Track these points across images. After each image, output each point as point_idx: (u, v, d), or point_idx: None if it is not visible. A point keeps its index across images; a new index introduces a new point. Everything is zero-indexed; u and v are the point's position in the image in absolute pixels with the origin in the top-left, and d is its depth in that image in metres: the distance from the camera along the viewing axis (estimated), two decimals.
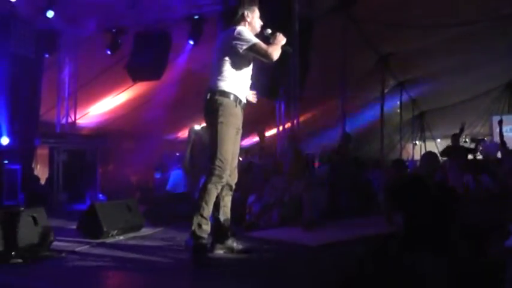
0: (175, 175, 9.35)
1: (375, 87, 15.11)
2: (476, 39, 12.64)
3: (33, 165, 10.72)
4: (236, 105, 4.49)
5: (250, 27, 4.61)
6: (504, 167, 8.90)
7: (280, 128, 10.22)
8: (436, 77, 16.00)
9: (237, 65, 4.49)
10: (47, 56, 10.97)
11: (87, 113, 13.99)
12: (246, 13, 4.61)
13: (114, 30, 10.88)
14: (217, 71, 4.51)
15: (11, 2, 9.14)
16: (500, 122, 10.04)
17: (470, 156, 10.15)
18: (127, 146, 15.58)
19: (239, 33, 4.43)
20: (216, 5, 9.82)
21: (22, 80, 9.96)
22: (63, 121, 12.04)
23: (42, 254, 4.58)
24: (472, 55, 13.96)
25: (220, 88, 4.46)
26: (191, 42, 10.35)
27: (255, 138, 18.70)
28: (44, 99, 10.85)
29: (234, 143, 4.57)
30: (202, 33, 10.14)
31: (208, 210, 4.42)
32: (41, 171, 11.32)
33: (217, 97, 4.45)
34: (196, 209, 4.41)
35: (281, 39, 4.47)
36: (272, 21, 4.86)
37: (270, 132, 17.04)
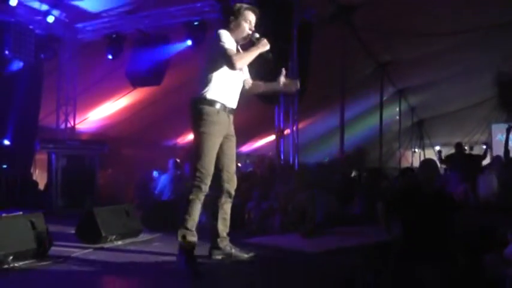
0: (163, 180, 9.35)
1: (373, 95, 15.14)
2: (474, 48, 12.69)
3: (32, 171, 10.72)
4: (219, 112, 4.40)
5: (235, 32, 4.51)
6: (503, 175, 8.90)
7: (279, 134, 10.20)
8: (435, 85, 16.05)
9: (220, 70, 4.41)
10: (46, 61, 10.96)
11: (86, 118, 13.98)
12: (231, 18, 4.55)
13: (114, 36, 10.89)
14: (201, 78, 4.47)
15: (11, 6, 9.15)
16: (509, 130, 10.01)
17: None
18: (126, 151, 15.58)
19: (217, 36, 4.38)
20: (216, 12, 9.83)
21: (22, 85, 9.96)
22: (63, 126, 12.03)
23: (40, 259, 4.58)
24: (470, 63, 14.01)
25: (201, 96, 4.40)
26: (189, 43, 10.32)
27: (255, 144, 18.82)
28: (43, 104, 10.85)
29: (225, 151, 4.55)
30: (204, 38, 10.15)
31: (192, 221, 4.36)
32: (40, 177, 11.32)
33: (198, 105, 4.40)
34: (180, 221, 4.39)
35: (261, 47, 4.37)
36: (272, 28, 4.86)
37: (268, 139, 17.11)
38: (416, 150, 22.29)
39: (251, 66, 4.66)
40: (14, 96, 9.80)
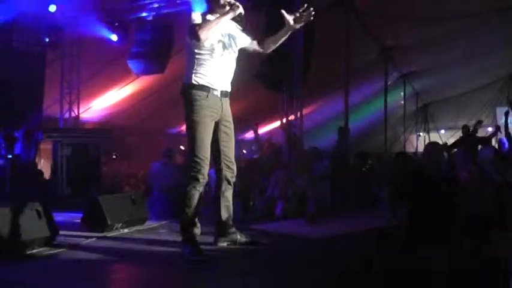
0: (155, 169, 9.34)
1: (378, 80, 15.08)
2: (479, 30, 12.60)
3: (36, 160, 10.73)
4: (208, 96, 4.33)
5: (212, 5, 4.42)
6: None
7: (284, 120, 10.18)
8: (440, 68, 15.97)
9: (199, 52, 4.33)
10: (49, 50, 10.94)
11: (90, 107, 13.99)
12: None
13: (116, 24, 10.85)
14: (188, 62, 4.41)
15: None
16: (507, 114, 10.01)
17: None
18: (131, 139, 15.63)
19: (189, 18, 4.32)
20: None
21: (25, 74, 9.95)
22: (66, 115, 12.04)
23: (46, 247, 4.60)
24: (475, 46, 13.93)
25: (188, 81, 4.35)
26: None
27: (260, 130, 18.77)
28: (47, 94, 10.85)
29: (221, 138, 4.50)
30: None
31: (191, 213, 4.34)
32: (45, 166, 11.34)
33: (186, 91, 4.35)
34: (180, 213, 4.39)
35: (229, 12, 4.25)
36: (274, 16, 4.78)
37: (273, 125, 17.09)
38: (421, 134, 22.24)
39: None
40: (18, 85, 9.79)
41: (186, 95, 4.36)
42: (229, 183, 4.63)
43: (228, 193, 4.66)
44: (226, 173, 4.59)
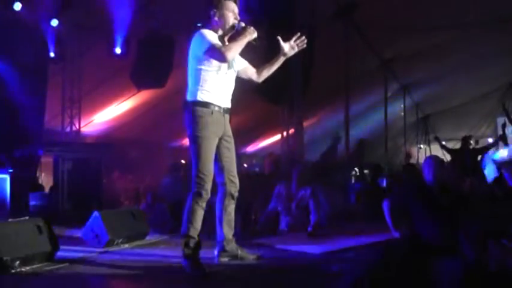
0: (165, 183, 9.39)
1: (378, 92, 15.12)
2: (477, 41, 12.67)
3: (37, 174, 10.74)
4: (213, 113, 4.36)
5: (219, 24, 4.47)
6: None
7: (284, 133, 10.20)
8: (440, 79, 16.00)
9: (206, 69, 4.36)
10: (51, 63, 10.98)
11: (91, 121, 14.02)
12: (213, 12, 4.48)
13: (118, 38, 10.90)
14: (189, 81, 4.45)
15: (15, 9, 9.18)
16: (504, 126, 10.01)
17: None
18: (132, 153, 15.63)
19: (197, 37, 4.35)
20: None
21: (27, 87, 9.97)
22: (68, 129, 12.07)
23: (47, 263, 4.59)
24: (474, 56, 13.97)
25: (192, 99, 4.37)
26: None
27: (261, 144, 18.81)
28: (48, 107, 10.88)
29: (223, 153, 4.52)
30: None
31: (194, 229, 4.33)
32: (45, 180, 11.35)
33: (191, 108, 4.37)
34: (183, 229, 4.38)
35: (248, 35, 4.31)
36: (274, 30, 4.82)
37: (273, 138, 17.11)
38: (422, 145, 22.21)
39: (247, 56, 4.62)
40: (19, 98, 9.81)
41: (190, 112, 4.38)
42: (232, 197, 4.64)
43: (230, 208, 4.67)
44: (229, 187, 4.60)
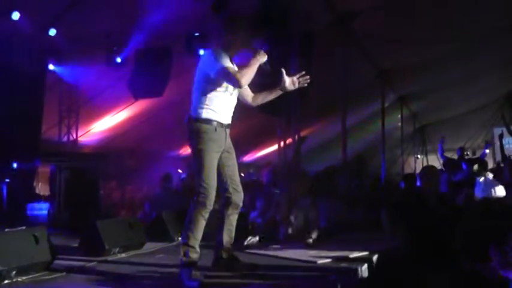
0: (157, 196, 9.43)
1: (375, 102, 15.16)
2: (474, 52, 12.72)
3: (34, 184, 10.72)
4: (216, 130, 4.42)
5: (231, 46, 4.54)
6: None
7: (282, 143, 10.22)
8: (436, 90, 16.06)
9: (214, 89, 4.42)
10: (48, 73, 10.99)
11: (88, 131, 14.02)
12: (225, 33, 4.56)
13: (115, 48, 10.93)
14: (195, 97, 4.49)
15: (13, 19, 9.20)
16: (501, 136, 10.03)
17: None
18: (129, 163, 15.60)
19: (210, 55, 4.41)
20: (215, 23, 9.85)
21: (24, 97, 9.98)
22: (65, 139, 12.06)
23: (44, 272, 4.57)
24: (471, 68, 14.04)
25: (198, 115, 4.41)
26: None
27: (258, 154, 18.83)
28: (45, 117, 10.88)
29: (226, 163, 4.56)
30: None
31: (194, 239, 4.34)
32: (43, 190, 11.33)
33: (195, 124, 4.41)
34: (183, 238, 4.40)
35: (258, 59, 4.39)
36: (272, 39, 4.86)
37: (270, 148, 17.12)
38: (419, 156, 22.25)
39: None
40: (17, 109, 9.82)
41: (193, 127, 4.42)
42: (237, 207, 4.67)
43: (232, 217, 4.69)
44: (234, 197, 4.62)
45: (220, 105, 4.47)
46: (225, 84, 4.44)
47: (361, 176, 9.82)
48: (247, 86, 4.75)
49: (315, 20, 9.56)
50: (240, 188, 4.69)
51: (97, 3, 9.34)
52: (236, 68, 4.43)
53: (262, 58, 4.41)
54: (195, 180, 4.45)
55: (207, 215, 4.38)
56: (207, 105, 4.42)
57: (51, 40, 10.46)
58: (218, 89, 4.43)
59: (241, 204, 4.71)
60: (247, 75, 4.33)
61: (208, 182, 4.35)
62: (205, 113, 4.41)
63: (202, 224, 4.37)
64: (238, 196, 4.66)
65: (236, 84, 4.33)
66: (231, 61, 4.51)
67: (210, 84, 4.42)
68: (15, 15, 9.18)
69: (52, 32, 10.23)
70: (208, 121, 4.40)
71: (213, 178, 4.39)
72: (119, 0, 9.55)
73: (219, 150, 4.48)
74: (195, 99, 4.50)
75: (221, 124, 4.47)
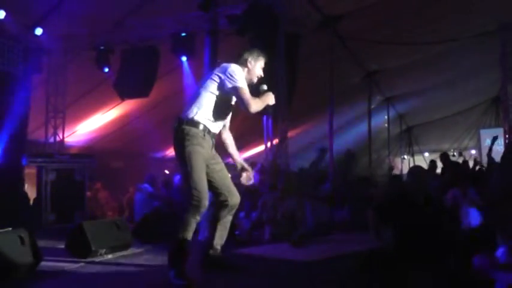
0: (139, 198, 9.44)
1: (362, 103, 15.22)
2: (461, 55, 12.82)
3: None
4: (204, 135, 4.42)
5: (248, 74, 4.59)
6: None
7: (268, 144, 10.20)
8: (423, 92, 16.17)
9: (217, 99, 4.45)
10: (34, 73, 10.91)
11: (75, 132, 13.94)
12: (249, 59, 4.61)
13: (102, 48, 10.88)
14: (194, 100, 4.49)
15: None
16: (495, 139, 10.00)
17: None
18: (116, 164, 15.54)
19: (232, 71, 4.40)
20: (204, 23, 9.85)
21: (10, 98, 9.91)
22: (51, 140, 11.98)
23: (29, 274, 4.54)
24: (458, 70, 14.15)
25: (188, 117, 4.41)
26: (184, 59, 10.42)
27: (244, 154, 18.81)
28: (31, 118, 10.80)
29: (215, 169, 4.57)
30: (192, 50, 10.18)
31: (184, 239, 4.32)
32: (29, 191, 11.24)
33: (184, 126, 4.40)
34: (174, 239, 4.37)
35: (269, 99, 4.48)
36: (259, 39, 4.86)
37: (257, 149, 17.11)
38: (406, 157, 22.38)
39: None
40: (2, 109, 9.75)
41: (183, 130, 4.40)
42: (232, 209, 4.67)
43: (227, 219, 4.69)
44: (231, 201, 4.63)
45: (215, 116, 4.48)
46: (230, 97, 4.49)
47: (350, 169, 9.78)
48: (229, 123, 4.85)
49: (302, 23, 9.57)
50: (234, 191, 4.69)
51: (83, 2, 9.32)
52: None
53: (272, 101, 4.51)
54: (185, 184, 4.42)
55: (198, 217, 4.38)
56: (203, 111, 4.42)
57: (38, 39, 10.41)
58: (222, 98, 4.47)
59: (237, 206, 4.71)
60: (258, 106, 4.40)
61: (200, 185, 4.32)
62: (197, 116, 4.41)
63: (193, 225, 4.36)
64: (233, 199, 4.65)
65: (246, 107, 4.35)
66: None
67: (217, 93, 4.45)
68: (1, 14, 9.12)
69: (38, 31, 10.18)
70: (198, 124, 4.40)
71: (203, 180, 4.37)
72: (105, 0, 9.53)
73: (206, 157, 4.47)
74: (194, 102, 4.48)
75: (209, 131, 4.47)
